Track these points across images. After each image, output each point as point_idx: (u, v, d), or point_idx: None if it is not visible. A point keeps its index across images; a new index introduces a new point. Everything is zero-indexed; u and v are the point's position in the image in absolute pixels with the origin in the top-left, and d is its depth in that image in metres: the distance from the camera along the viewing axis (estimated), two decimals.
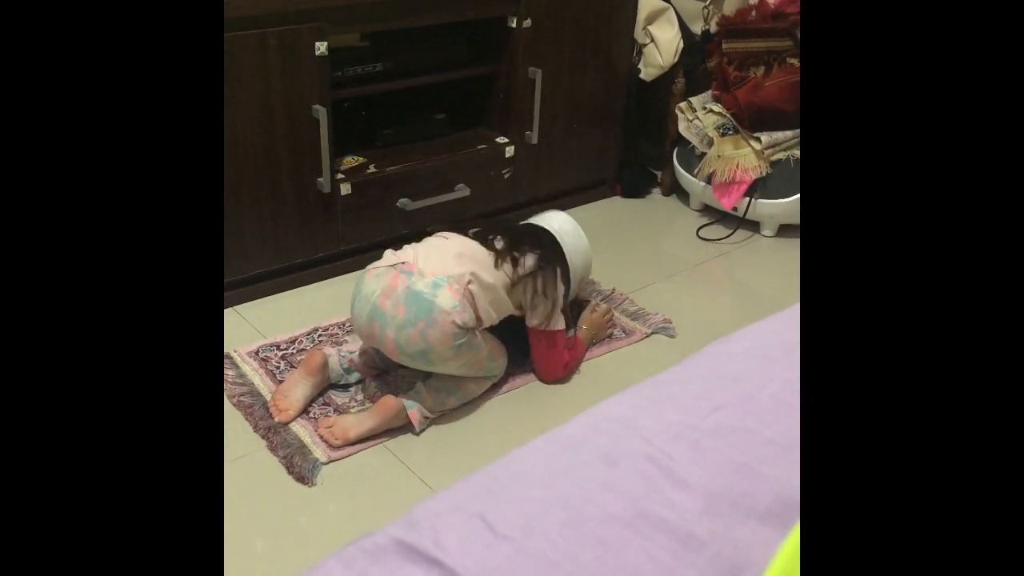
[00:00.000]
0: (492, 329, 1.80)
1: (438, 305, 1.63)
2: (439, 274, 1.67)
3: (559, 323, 1.85)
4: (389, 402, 1.68)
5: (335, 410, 1.75)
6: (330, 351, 1.80)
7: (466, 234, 1.82)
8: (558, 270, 1.86)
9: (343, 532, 1.47)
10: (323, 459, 1.62)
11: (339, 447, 1.64)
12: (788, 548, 0.55)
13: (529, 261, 1.80)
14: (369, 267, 1.75)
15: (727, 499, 0.80)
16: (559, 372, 1.88)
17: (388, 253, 1.76)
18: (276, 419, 1.69)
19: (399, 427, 1.71)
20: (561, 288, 1.86)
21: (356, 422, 1.67)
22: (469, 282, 1.69)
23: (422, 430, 1.71)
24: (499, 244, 1.80)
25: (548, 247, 1.89)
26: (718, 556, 0.73)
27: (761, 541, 0.76)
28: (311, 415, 1.73)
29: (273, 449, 1.63)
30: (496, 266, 1.75)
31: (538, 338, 1.85)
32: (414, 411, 1.69)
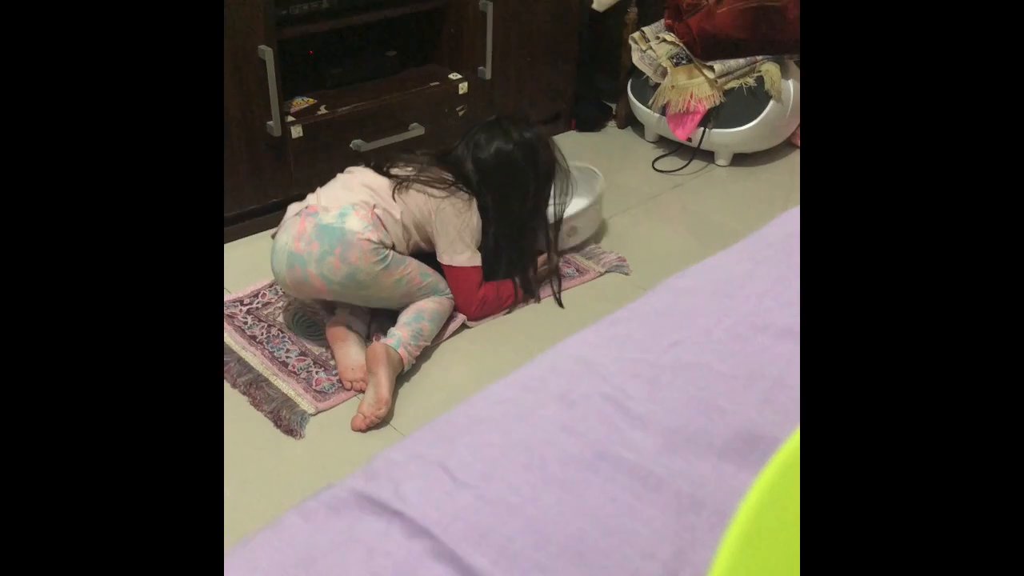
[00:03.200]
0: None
1: (348, 228, 1.63)
2: (343, 204, 1.67)
3: (473, 259, 1.82)
4: (377, 350, 1.63)
5: (314, 362, 1.73)
6: (339, 316, 1.78)
7: (369, 166, 1.80)
8: (474, 200, 1.82)
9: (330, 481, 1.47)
10: (311, 411, 1.61)
11: (383, 412, 1.59)
12: (761, 485, 0.55)
13: (430, 190, 1.77)
14: (275, 229, 1.76)
15: (685, 436, 0.81)
16: (471, 310, 1.85)
17: (291, 207, 1.76)
18: (357, 388, 1.66)
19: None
20: (474, 219, 1.81)
21: (376, 386, 1.60)
22: (375, 206, 1.69)
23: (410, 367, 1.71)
24: (396, 172, 1.78)
25: (477, 175, 1.84)
26: (678, 493, 0.74)
27: (720, 477, 0.77)
28: (290, 368, 1.71)
29: (256, 404, 1.62)
30: (392, 196, 1.73)
31: (448, 273, 1.83)
32: (402, 350, 1.68)
